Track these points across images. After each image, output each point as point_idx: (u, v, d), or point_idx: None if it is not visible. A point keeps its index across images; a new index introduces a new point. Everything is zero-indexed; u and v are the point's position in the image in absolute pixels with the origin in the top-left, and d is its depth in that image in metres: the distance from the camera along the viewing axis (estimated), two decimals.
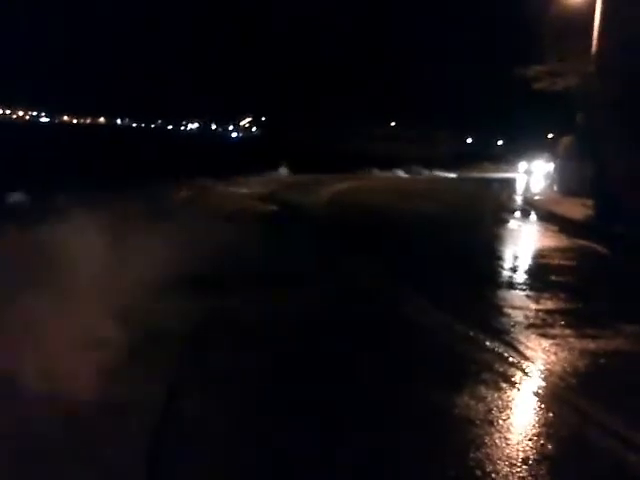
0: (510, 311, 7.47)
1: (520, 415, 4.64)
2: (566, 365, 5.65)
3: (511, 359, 5.73)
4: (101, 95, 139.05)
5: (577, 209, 19.06)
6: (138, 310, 6.17)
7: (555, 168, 31.16)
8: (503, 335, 6.44)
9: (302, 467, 3.82)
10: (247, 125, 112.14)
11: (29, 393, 4.30)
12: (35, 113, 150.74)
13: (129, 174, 22.04)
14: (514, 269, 10.42)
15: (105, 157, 33.93)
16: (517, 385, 5.14)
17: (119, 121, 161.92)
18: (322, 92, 73.11)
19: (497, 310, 7.52)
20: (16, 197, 14.96)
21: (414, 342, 6.29)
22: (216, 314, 6.74)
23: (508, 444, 4.11)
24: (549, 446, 4.12)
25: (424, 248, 12.10)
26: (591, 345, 6.27)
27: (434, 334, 6.52)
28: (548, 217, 18.42)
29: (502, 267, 10.47)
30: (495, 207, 21.85)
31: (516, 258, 11.70)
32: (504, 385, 5.10)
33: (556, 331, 6.71)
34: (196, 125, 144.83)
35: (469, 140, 77.38)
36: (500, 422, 4.43)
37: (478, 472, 3.74)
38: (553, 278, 9.65)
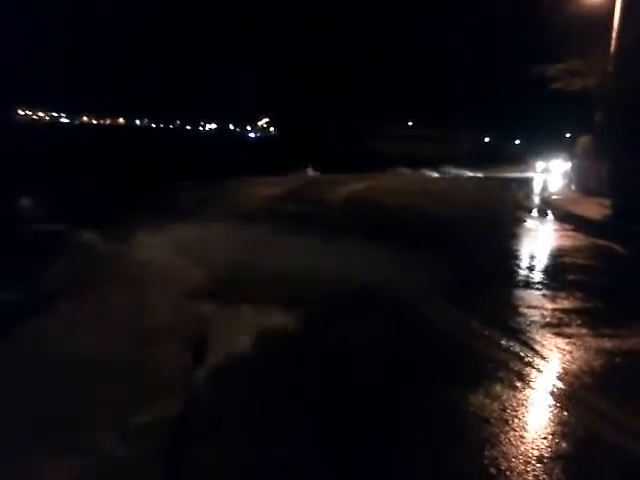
0: (526, 310, 7.46)
1: (535, 414, 4.66)
2: (582, 364, 5.65)
3: (527, 358, 5.74)
4: (120, 96, 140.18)
5: (595, 208, 18.91)
6: None
7: (573, 167, 30.93)
8: (519, 334, 6.44)
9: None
10: (265, 125, 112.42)
11: None
12: (55, 114, 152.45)
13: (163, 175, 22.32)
14: (531, 268, 10.38)
15: (138, 158, 34.24)
16: (532, 384, 5.15)
17: (138, 122, 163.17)
18: (338, 92, 73.08)
19: (513, 309, 7.52)
20: None
21: (429, 340, 6.31)
22: None
23: (523, 442, 4.13)
24: (564, 445, 4.13)
25: (440, 246, 12.08)
26: (607, 344, 6.25)
27: (449, 332, 6.54)
28: (565, 216, 18.30)
29: (519, 266, 10.44)
30: (513, 206, 21.74)
31: (533, 257, 11.64)
32: (519, 384, 5.12)
33: (572, 330, 6.70)
34: (214, 126, 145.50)
35: (486, 140, 76.98)
36: (515, 421, 4.45)
37: (493, 470, 3.77)
38: (570, 277, 9.61)
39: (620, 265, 11.57)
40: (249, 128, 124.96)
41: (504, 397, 4.83)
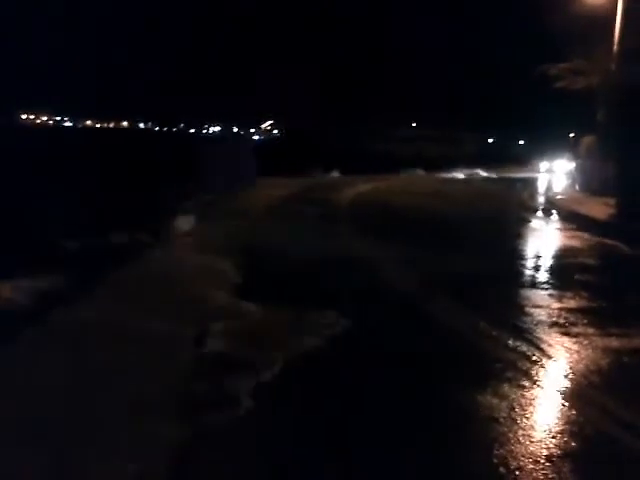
0: (533, 310, 7.48)
1: (543, 413, 4.67)
2: (589, 363, 5.66)
3: (534, 357, 5.75)
4: (123, 99, 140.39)
5: (599, 208, 18.90)
6: None
7: (576, 167, 30.89)
8: (526, 334, 6.46)
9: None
10: (269, 128, 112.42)
11: None
12: (58, 118, 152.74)
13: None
14: (537, 268, 10.39)
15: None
16: (540, 383, 5.17)
17: (142, 125, 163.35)
18: (342, 93, 73.12)
19: (520, 309, 7.53)
20: None
21: (436, 340, 6.34)
22: None
23: (531, 441, 4.15)
24: (572, 444, 4.15)
25: (447, 246, 12.09)
26: (614, 343, 6.26)
27: (457, 332, 6.56)
28: (570, 216, 18.29)
29: (524, 266, 10.45)
30: (517, 206, 21.74)
31: (538, 257, 11.64)
32: (527, 383, 5.13)
33: (579, 329, 6.71)
34: (218, 128, 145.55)
35: (490, 140, 76.80)
36: (523, 420, 4.46)
37: (502, 469, 3.79)
38: (575, 277, 9.62)
39: (625, 264, 11.55)
40: (253, 131, 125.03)
41: (512, 396, 4.85)
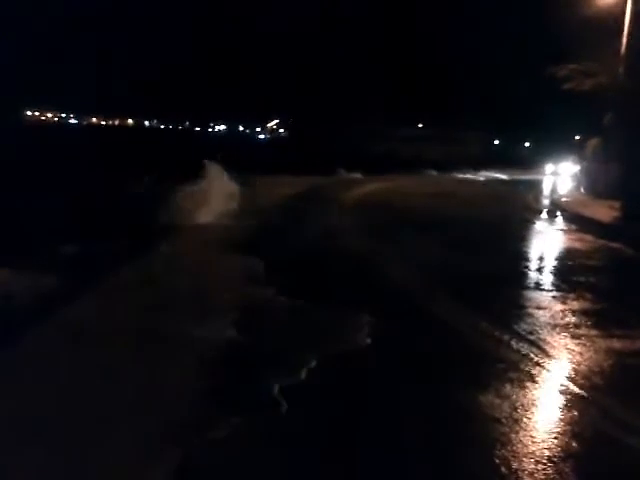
0: (536, 311, 7.46)
1: (545, 414, 4.67)
2: (592, 365, 5.66)
3: (537, 359, 5.74)
4: (128, 96, 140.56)
5: (604, 211, 18.86)
6: None
7: (582, 170, 30.84)
8: (529, 335, 6.45)
9: None
10: (274, 127, 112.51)
11: None
12: (64, 115, 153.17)
13: None
14: (540, 270, 10.38)
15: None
16: (542, 384, 5.16)
17: (147, 123, 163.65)
18: (347, 94, 73.04)
19: (523, 310, 7.52)
20: None
21: (439, 341, 6.33)
22: None
23: (534, 442, 4.14)
24: (574, 444, 4.14)
25: (452, 247, 12.08)
26: (617, 345, 6.25)
27: (459, 333, 6.56)
28: (575, 218, 18.26)
29: (528, 267, 10.43)
30: (522, 208, 21.72)
31: (542, 259, 11.63)
32: (529, 384, 5.13)
33: (582, 331, 6.70)
34: (223, 127, 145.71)
35: (496, 142, 76.75)
36: (525, 420, 4.46)
37: (504, 469, 3.79)
38: (579, 279, 9.60)
39: (629, 267, 11.54)
40: (259, 130, 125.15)
41: (514, 397, 4.84)
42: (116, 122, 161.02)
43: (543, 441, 4.16)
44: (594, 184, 25.69)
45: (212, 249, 10.72)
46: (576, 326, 6.88)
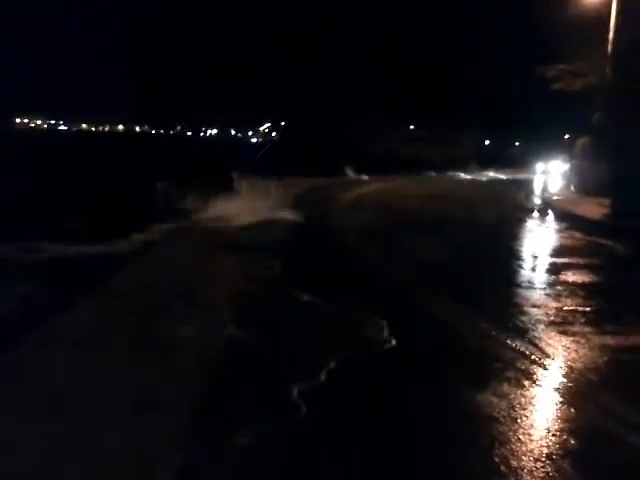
0: (530, 309, 7.51)
1: (543, 411, 4.70)
2: (587, 361, 5.71)
3: (533, 356, 5.79)
4: (118, 102, 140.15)
5: (594, 208, 18.99)
6: None
7: (572, 168, 31.01)
8: (524, 333, 6.50)
9: None
10: (266, 130, 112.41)
11: None
12: (53, 122, 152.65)
13: None
14: (533, 268, 10.46)
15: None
16: (539, 382, 5.20)
17: (137, 128, 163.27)
18: (339, 95, 73.08)
19: (518, 309, 7.56)
20: None
21: (436, 340, 6.36)
22: None
23: (532, 440, 4.17)
24: (572, 441, 4.17)
25: (445, 247, 12.14)
26: (611, 341, 6.31)
27: (456, 332, 6.60)
28: (566, 216, 18.37)
29: (521, 266, 10.50)
30: (514, 207, 21.85)
31: (535, 257, 11.71)
32: (526, 382, 5.16)
33: (576, 328, 6.75)
34: (215, 131, 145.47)
35: (487, 142, 76.98)
36: (523, 418, 4.49)
37: (503, 468, 3.82)
38: (571, 276, 9.66)
39: (620, 263, 11.64)
40: (251, 133, 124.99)
41: (512, 395, 4.88)
42: (106, 128, 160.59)
43: (541, 438, 4.19)
44: (584, 182, 25.85)
45: None
46: (570, 323, 6.94)
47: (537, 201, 25.41)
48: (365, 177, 34.15)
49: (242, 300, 7.51)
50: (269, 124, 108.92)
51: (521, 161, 55.56)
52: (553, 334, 6.52)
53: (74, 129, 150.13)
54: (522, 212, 20.13)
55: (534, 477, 3.71)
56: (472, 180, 41.03)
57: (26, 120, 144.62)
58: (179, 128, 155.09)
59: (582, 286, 8.98)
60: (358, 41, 76.04)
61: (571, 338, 6.38)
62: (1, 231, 11.00)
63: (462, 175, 43.32)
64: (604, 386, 5.15)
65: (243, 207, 15.36)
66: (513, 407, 4.66)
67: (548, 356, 5.83)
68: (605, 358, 5.80)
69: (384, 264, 10.39)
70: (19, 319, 6.40)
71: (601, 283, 9.61)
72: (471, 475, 3.79)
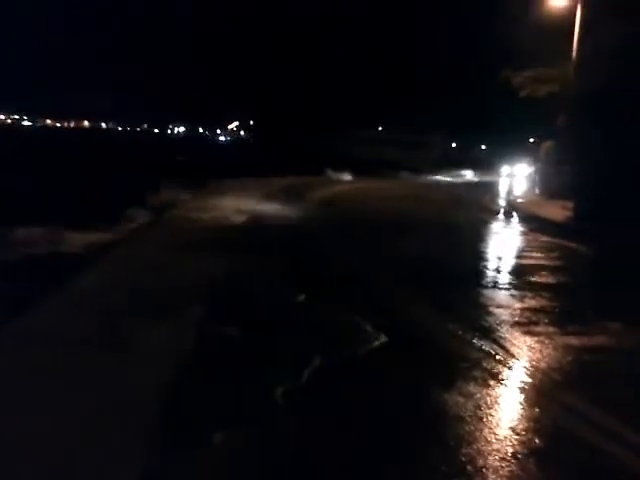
0: (496, 310, 7.59)
1: (508, 411, 4.74)
2: (551, 361, 5.78)
3: (498, 356, 5.84)
4: (86, 97, 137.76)
5: (558, 211, 19.36)
6: None
7: (536, 171, 31.56)
8: (490, 333, 6.56)
9: None
10: (235, 129, 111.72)
11: None
12: (17, 117, 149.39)
13: None
14: (498, 269, 10.57)
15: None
16: (505, 382, 5.25)
17: (104, 124, 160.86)
18: (309, 96, 73.18)
19: (483, 309, 7.64)
20: None
21: (402, 340, 6.37)
22: None
23: (497, 439, 4.20)
24: (537, 441, 4.22)
25: (411, 248, 12.20)
26: (574, 342, 6.41)
27: (422, 332, 6.63)
28: (530, 219, 18.68)
29: (487, 267, 10.61)
30: (480, 209, 22.09)
31: (500, 258, 11.86)
32: (492, 382, 5.21)
33: (540, 329, 6.84)
34: (182, 129, 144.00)
35: (453, 145, 77.80)
36: (489, 418, 4.52)
37: (470, 467, 3.83)
38: (536, 278, 9.81)
39: (583, 265, 11.88)
40: (219, 131, 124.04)
41: (478, 395, 4.92)
42: (72, 124, 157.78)
43: (506, 438, 4.23)
44: (548, 185, 26.33)
45: None
46: (535, 324, 7.03)
47: (502, 203, 25.77)
48: (333, 178, 34.16)
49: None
50: (237, 123, 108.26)
51: (487, 164, 56.32)
52: (518, 334, 6.60)
53: (38, 125, 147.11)
54: (488, 214, 20.39)
55: (500, 476, 3.74)
56: (438, 182, 41.46)
57: None
58: (146, 125, 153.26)
59: (546, 287, 9.11)
60: (333, 43, 76.25)
61: (535, 338, 6.47)
62: None
63: (429, 177, 43.71)
64: (568, 386, 5.22)
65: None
66: (479, 406, 4.70)
67: (513, 356, 5.90)
68: (569, 358, 5.89)
69: (351, 265, 10.40)
70: None
71: (565, 284, 9.76)
72: (438, 475, 3.80)
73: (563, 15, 21.93)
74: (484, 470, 3.80)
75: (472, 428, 4.34)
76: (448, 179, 44.10)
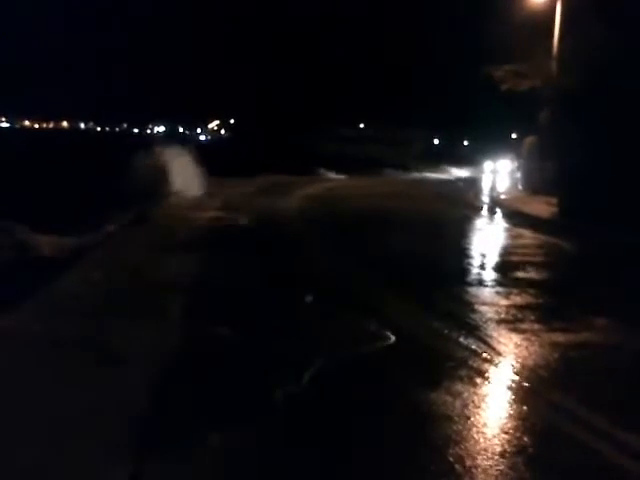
0: (481, 307, 7.59)
1: (496, 409, 4.73)
2: (537, 359, 5.77)
3: (485, 355, 5.83)
4: (64, 98, 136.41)
5: (542, 207, 19.45)
6: None
7: (519, 167, 31.74)
8: (476, 331, 6.55)
9: None
10: (215, 128, 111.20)
11: None
12: None
13: None
14: (483, 266, 10.59)
15: None
16: (491, 380, 5.24)
17: (82, 125, 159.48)
18: (290, 92, 73.04)
19: (469, 307, 7.63)
20: None
21: (388, 339, 6.33)
22: None
23: (485, 438, 4.18)
24: (525, 439, 4.20)
25: (394, 245, 12.19)
26: (560, 339, 6.41)
27: (408, 330, 6.59)
28: (514, 215, 18.75)
29: (471, 265, 10.62)
30: (463, 206, 22.14)
31: (484, 256, 11.88)
32: (479, 380, 5.19)
33: (526, 326, 6.85)
34: (162, 128, 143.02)
35: (436, 141, 78.02)
36: (477, 417, 4.50)
37: (458, 467, 3.80)
38: (521, 274, 9.83)
39: (567, 261, 11.93)
40: (199, 131, 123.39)
41: (465, 394, 4.89)
42: (50, 125, 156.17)
43: (494, 436, 4.21)
44: (531, 181, 26.48)
45: None
46: (520, 321, 7.03)
47: (486, 200, 25.86)
48: (316, 176, 34.16)
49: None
50: (217, 122, 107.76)
51: (470, 160, 56.55)
52: (504, 332, 6.59)
53: (17, 126, 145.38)
54: (471, 211, 20.46)
55: (488, 475, 3.72)
56: (421, 179, 41.56)
57: None
58: (125, 125, 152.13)
59: (532, 284, 9.13)
60: (304, 38, 76.07)
61: (522, 335, 6.47)
62: None
63: (411, 174, 43.83)
64: (555, 383, 5.22)
65: None
66: (466, 405, 4.68)
67: (500, 354, 5.88)
68: (555, 355, 5.89)
69: (334, 264, 10.36)
70: None
71: (550, 280, 9.80)
72: (426, 474, 3.77)
73: (544, 11, 22.06)
74: (473, 470, 3.77)
75: (460, 427, 4.31)
76: (431, 175, 44.24)
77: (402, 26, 69.54)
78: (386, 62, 70.67)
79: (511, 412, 4.64)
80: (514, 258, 11.46)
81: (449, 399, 4.78)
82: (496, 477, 3.70)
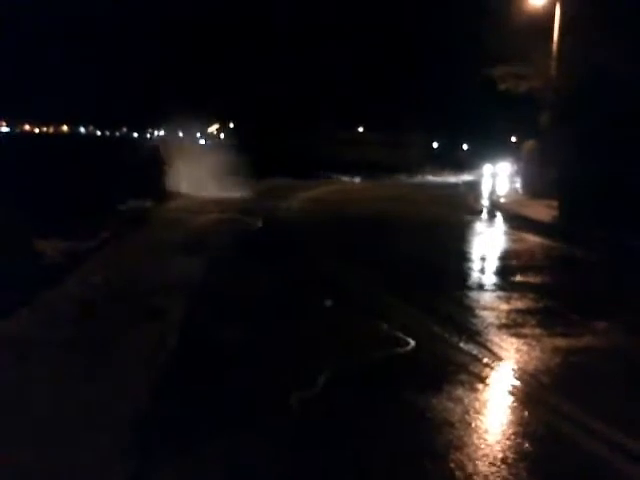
0: (482, 312, 7.57)
1: (497, 415, 4.72)
2: (538, 363, 5.76)
3: (485, 360, 5.82)
4: (62, 102, 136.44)
5: (542, 210, 19.41)
6: None
7: (519, 171, 31.71)
8: (476, 336, 6.53)
9: None
10: (215, 132, 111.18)
11: None
12: None
13: None
14: (483, 270, 10.57)
15: None
16: (492, 385, 5.23)
17: (83, 129, 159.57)
18: (288, 97, 72.97)
19: (469, 311, 7.62)
20: None
21: (388, 343, 6.32)
22: None
23: (487, 444, 4.17)
24: (526, 444, 4.19)
25: (396, 249, 12.18)
26: (561, 343, 6.40)
27: (409, 335, 6.57)
28: (514, 218, 18.71)
29: (472, 269, 10.61)
30: (463, 209, 22.09)
31: (485, 260, 11.85)
32: (480, 386, 5.18)
33: (527, 330, 6.83)
34: (162, 132, 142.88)
35: (435, 145, 77.92)
36: (478, 422, 4.49)
37: (459, 473, 3.79)
38: (522, 278, 9.81)
39: (569, 265, 11.90)
40: (199, 135, 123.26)
41: (466, 400, 4.88)
42: (50, 129, 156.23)
43: (496, 442, 4.20)
44: (531, 184, 26.42)
45: None
46: (521, 326, 7.02)
47: (486, 203, 25.83)
48: (317, 180, 34.08)
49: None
50: (217, 125, 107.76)
51: (469, 163, 56.51)
52: (505, 336, 6.57)
53: (17, 130, 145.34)
54: (472, 214, 20.41)
55: None
56: (421, 182, 41.51)
57: None
58: (125, 130, 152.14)
59: (532, 288, 9.12)
60: (306, 44, 76.08)
61: (522, 340, 6.45)
62: None
63: (412, 177, 43.79)
64: (556, 388, 5.20)
65: None
66: (467, 411, 4.66)
67: (501, 359, 5.87)
68: (557, 360, 5.87)
69: (336, 268, 10.34)
70: None
71: (551, 284, 9.78)
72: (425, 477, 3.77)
73: (544, 13, 22.08)
74: (474, 476, 3.76)
75: (461, 433, 4.30)
76: (431, 179, 44.20)
77: (402, 29, 69.52)
78: (386, 66, 70.61)
79: (512, 418, 4.63)
80: (514, 262, 11.44)
81: (450, 404, 4.77)
82: None
